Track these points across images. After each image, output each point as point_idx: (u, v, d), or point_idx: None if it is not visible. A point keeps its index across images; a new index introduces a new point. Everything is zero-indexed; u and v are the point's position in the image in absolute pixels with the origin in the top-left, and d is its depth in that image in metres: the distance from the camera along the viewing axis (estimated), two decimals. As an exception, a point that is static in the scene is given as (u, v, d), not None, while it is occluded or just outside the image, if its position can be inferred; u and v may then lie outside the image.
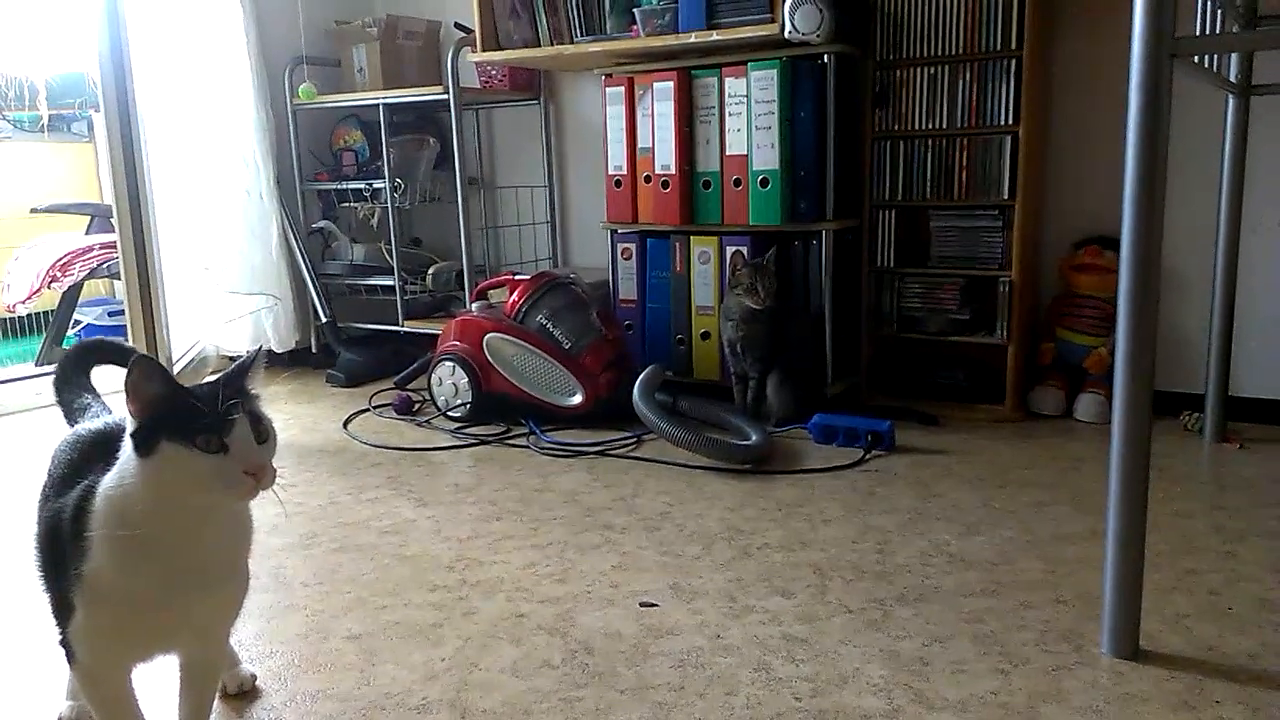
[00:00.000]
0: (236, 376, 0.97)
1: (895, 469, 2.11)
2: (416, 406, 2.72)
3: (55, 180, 4.51)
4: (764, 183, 2.48)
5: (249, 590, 1.05)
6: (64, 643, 1.00)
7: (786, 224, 2.48)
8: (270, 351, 3.22)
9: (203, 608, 0.99)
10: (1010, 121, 2.35)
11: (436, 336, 2.72)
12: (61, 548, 0.98)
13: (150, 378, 0.92)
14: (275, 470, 0.95)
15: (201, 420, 0.91)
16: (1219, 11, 1.70)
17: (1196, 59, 1.64)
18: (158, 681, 1.12)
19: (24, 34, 3.99)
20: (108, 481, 0.94)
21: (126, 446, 0.92)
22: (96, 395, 1.21)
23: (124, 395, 0.92)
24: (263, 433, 0.95)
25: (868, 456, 2.19)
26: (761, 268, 2.37)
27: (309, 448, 2.41)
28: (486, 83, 3.18)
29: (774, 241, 2.48)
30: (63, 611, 0.99)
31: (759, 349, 2.42)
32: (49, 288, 3.23)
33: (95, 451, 1.02)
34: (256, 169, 3.09)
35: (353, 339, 3.27)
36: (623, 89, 2.64)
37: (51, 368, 3.06)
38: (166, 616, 0.97)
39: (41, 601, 1.02)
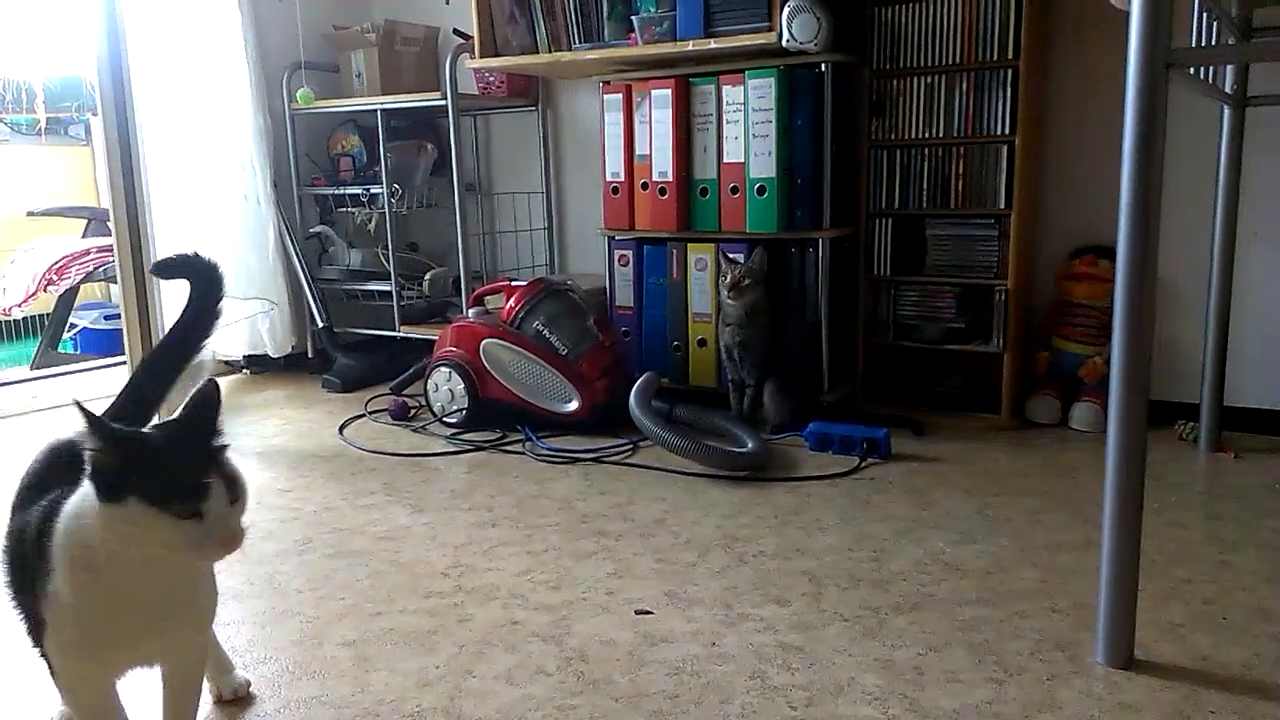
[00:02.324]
0: (206, 422, 0.94)
1: (891, 477, 2.11)
2: (412, 412, 2.71)
3: (52, 183, 4.51)
4: (761, 190, 2.48)
5: (242, 598, 1.05)
6: (43, 654, 1.00)
7: (783, 231, 2.49)
8: (266, 356, 3.22)
9: (165, 638, 1.00)
10: (1007, 131, 2.36)
11: (433, 342, 2.72)
12: (27, 562, 0.97)
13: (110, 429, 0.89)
14: (245, 530, 0.93)
15: (179, 489, 0.88)
16: (1215, 23, 1.71)
17: (1192, 70, 1.65)
18: (147, 685, 1.12)
19: (22, 37, 3.99)
20: (69, 510, 0.92)
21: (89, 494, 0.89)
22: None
23: (88, 443, 0.89)
24: (235, 493, 0.92)
25: (863, 464, 2.19)
26: (737, 262, 2.40)
27: (304, 453, 2.41)
28: (484, 89, 3.18)
29: (763, 245, 2.48)
30: (34, 624, 0.98)
31: (755, 355, 2.42)
32: (45, 291, 3.22)
33: (65, 464, 1.01)
34: (254, 173, 3.09)
35: (349, 344, 3.27)
36: (621, 96, 2.64)
37: (46, 371, 3.07)
38: (127, 644, 0.98)
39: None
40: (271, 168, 3.13)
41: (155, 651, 1.02)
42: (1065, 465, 2.18)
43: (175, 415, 0.95)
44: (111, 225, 2.49)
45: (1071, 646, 1.35)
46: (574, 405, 2.49)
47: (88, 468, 0.89)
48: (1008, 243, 2.40)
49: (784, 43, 2.34)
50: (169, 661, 1.05)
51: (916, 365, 2.65)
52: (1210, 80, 1.89)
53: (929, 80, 2.43)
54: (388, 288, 3.18)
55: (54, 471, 1.02)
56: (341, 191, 3.28)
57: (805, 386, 2.49)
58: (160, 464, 0.89)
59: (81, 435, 0.89)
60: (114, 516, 0.88)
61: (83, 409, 0.88)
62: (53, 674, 1.01)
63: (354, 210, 3.29)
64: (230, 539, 0.91)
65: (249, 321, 3.15)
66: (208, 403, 0.95)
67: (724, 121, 2.52)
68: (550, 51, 2.74)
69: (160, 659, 1.04)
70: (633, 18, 2.56)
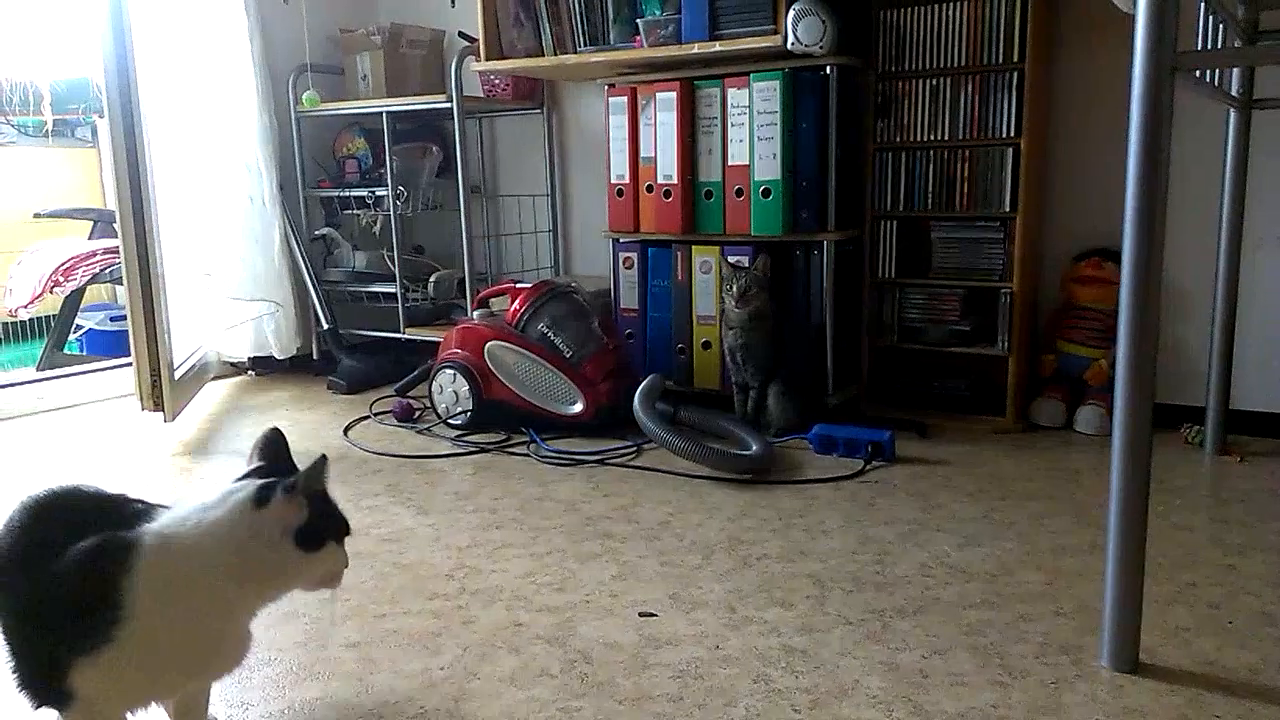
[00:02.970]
0: (291, 462, 1.08)
1: (895, 480, 2.11)
2: (417, 414, 2.72)
3: (59, 185, 4.52)
4: (766, 193, 2.48)
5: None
6: (56, 696, 0.97)
7: (788, 234, 2.49)
8: (271, 357, 3.22)
9: (223, 666, 1.05)
10: (1012, 134, 2.35)
11: (438, 344, 2.72)
12: (65, 612, 0.96)
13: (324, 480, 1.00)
14: None
15: (345, 524, 1.04)
16: (1221, 26, 1.71)
17: (1198, 73, 1.65)
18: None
19: (29, 39, 4.00)
20: (162, 556, 0.96)
21: (268, 541, 0.98)
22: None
23: (297, 494, 1.00)
24: None
25: (868, 467, 2.19)
26: (742, 269, 2.40)
27: (309, 454, 2.40)
28: (490, 91, 3.18)
29: (767, 250, 2.49)
30: (57, 669, 0.95)
31: (759, 358, 2.42)
32: (51, 292, 3.23)
33: (70, 516, 1.01)
34: (259, 175, 3.10)
35: (354, 346, 3.27)
36: (625, 99, 2.64)
37: (52, 372, 3.08)
38: (192, 675, 1.00)
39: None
40: (277, 170, 3.13)
41: (207, 679, 1.05)
42: (1070, 468, 2.17)
43: (262, 464, 1.06)
44: (118, 227, 2.49)
45: (1076, 650, 1.35)
46: (578, 407, 2.49)
47: (294, 526, 0.99)
48: (1013, 245, 2.40)
49: (789, 45, 2.34)
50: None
51: (921, 368, 2.65)
52: (1216, 83, 1.88)
53: (934, 83, 2.43)
54: (393, 289, 3.18)
55: (61, 525, 1.00)
56: (347, 193, 3.28)
57: (810, 389, 2.49)
58: (334, 507, 1.03)
59: (294, 497, 0.99)
60: (313, 561, 1.00)
61: (314, 479, 1.01)
62: (67, 711, 0.98)
63: (359, 212, 3.29)
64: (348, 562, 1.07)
65: (254, 323, 3.16)
66: (286, 447, 1.08)
67: (729, 124, 2.52)
68: (555, 54, 2.74)
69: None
70: (638, 20, 2.57)
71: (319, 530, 0.98)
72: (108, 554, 0.95)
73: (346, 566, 1.04)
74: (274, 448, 1.05)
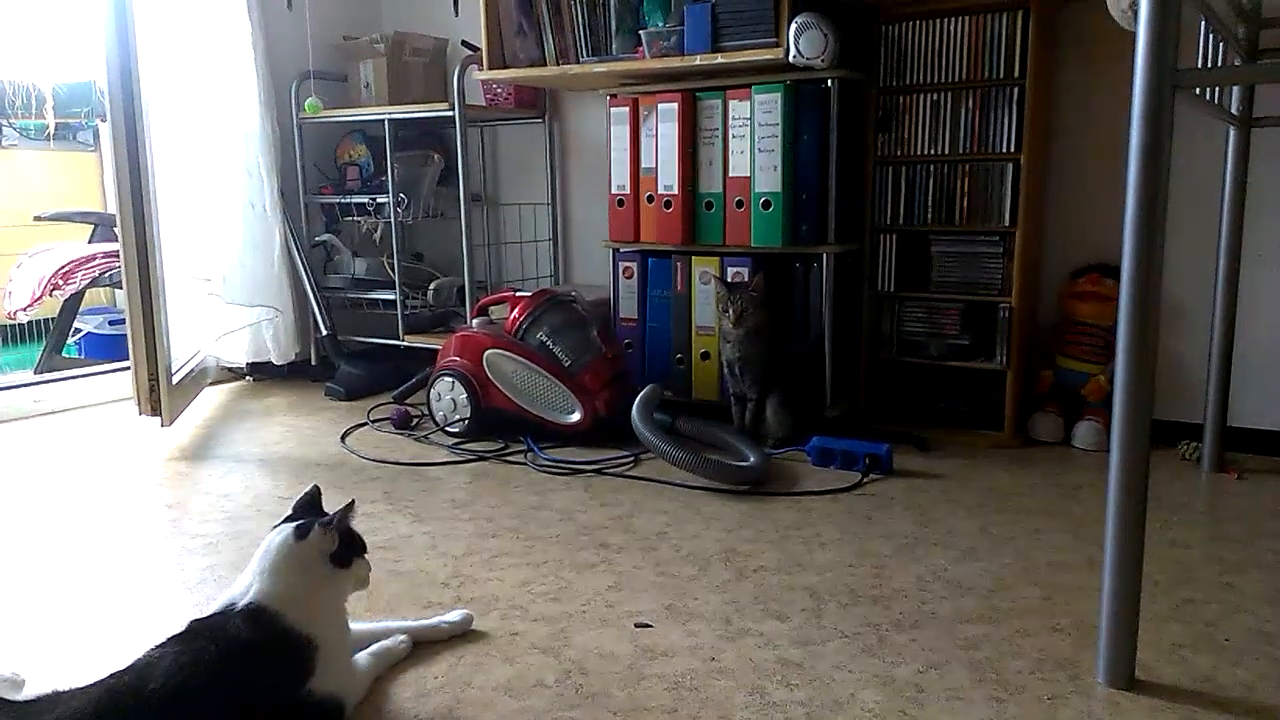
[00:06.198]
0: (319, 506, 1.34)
1: (893, 493, 2.11)
2: (415, 421, 2.72)
3: (60, 189, 4.53)
4: (766, 205, 2.49)
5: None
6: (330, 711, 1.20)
7: (788, 246, 2.49)
8: (269, 363, 3.22)
9: None
10: (1012, 149, 2.36)
11: (436, 351, 2.72)
12: (268, 678, 1.16)
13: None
14: None
15: (363, 542, 1.32)
16: (1221, 44, 1.72)
17: (1198, 91, 1.65)
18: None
19: (32, 42, 4.01)
20: (289, 603, 1.20)
21: (314, 564, 1.24)
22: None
23: (334, 531, 1.26)
24: None
25: (865, 480, 2.18)
26: (736, 288, 2.40)
27: (306, 460, 2.41)
28: (492, 100, 3.19)
29: (766, 262, 2.49)
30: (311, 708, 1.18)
31: (757, 370, 2.42)
32: (50, 295, 3.23)
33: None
34: (260, 181, 3.10)
35: (353, 352, 3.27)
36: (627, 109, 2.65)
37: (50, 375, 3.07)
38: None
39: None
40: (278, 176, 3.13)
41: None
42: (1068, 484, 2.17)
43: (293, 512, 1.30)
44: (118, 231, 2.50)
45: (1072, 666, 1.35)
46: (576, 416, 2.49)
47: (330, 553, 1.25)
48: (1012, 260, 2.40)
49: (791, 58, 2.35)
50: None
51: (920, 381, 2.65)
52: (1216, 101, 1.89)
53: (935, 97, 2.44)
54: (392, 296, 3.18)
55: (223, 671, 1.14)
56: (348, 200, 3.29)
57: (808, 401, 2.49)
58: (355, 534, 1.32)
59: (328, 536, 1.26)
60: (346, 575, 1.27)
61: (343, 519, 1.28)
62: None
63: (360, 219, 3.29)
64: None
65: (253, 328, 3.15)
66: (319, 499, 1.35)
67: (730, 136, 2.52)
68: (558, 64, 2.75)
69: None
70: (640, 32, 2.57)
71: (347, 553, 1.27)
72: (264, 619, 1.17)
73: (370, 571, 1.32)
74: (311, 500, 1.34)
